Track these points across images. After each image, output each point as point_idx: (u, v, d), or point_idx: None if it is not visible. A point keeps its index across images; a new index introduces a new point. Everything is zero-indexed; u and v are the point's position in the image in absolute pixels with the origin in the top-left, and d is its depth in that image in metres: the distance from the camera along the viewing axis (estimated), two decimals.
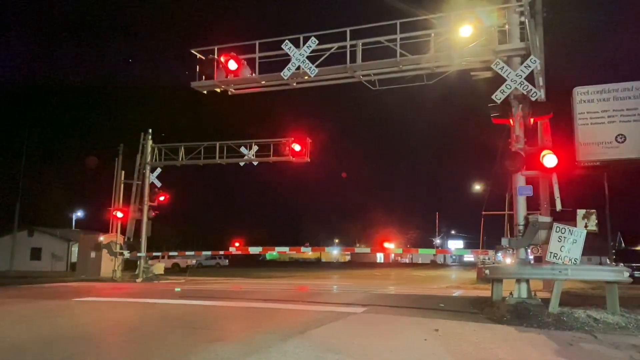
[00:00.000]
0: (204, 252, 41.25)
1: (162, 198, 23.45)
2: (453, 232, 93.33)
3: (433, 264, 76.63)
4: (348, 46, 12.73)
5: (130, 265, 24.93)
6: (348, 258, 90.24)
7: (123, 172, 23.84)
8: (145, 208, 22.92)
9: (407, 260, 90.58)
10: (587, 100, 10.48)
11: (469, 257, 74.25)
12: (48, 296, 13.64)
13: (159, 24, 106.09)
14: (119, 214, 23.10)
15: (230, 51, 13.88)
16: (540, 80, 10.41)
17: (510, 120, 10.64)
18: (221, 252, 39.94)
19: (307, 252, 62.54)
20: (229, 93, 14.71)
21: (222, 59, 13.81)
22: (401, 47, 12.28)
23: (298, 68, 12.73)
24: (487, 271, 10.53)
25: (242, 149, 21.84)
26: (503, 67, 10.32)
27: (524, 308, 9.06)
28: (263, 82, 14.10)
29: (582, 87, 10.58)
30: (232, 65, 13.73)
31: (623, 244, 37.86)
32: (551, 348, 6.40)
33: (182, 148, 22.59)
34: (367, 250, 55.94)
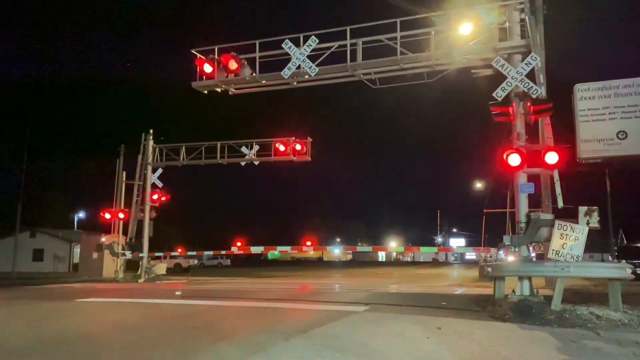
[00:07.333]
0: (206, 252, 41.26)
1: (163, 198, 23.50)
2: (455, 230, 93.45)
3: (435, 262, 76.58)
4: (348, 45, 12.71)
5: (132, 266, 24.96)
6: (350, 257, 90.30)
7: (125, 172, 23.88)
8: (147, 208, 22.94)
9: (408, 259, 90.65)
10: (588, 97, 10.44)
11: (470, 255, 74.44)
12: (50, 297, 13.66)
13: (160, 24, 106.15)
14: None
15: (231, 51, 13.86)
16: (541, 78, 10.38)
17: (512, 118, 10.63)
18: (223, 252, 39.89)
19: (309, 252, 62.52)
20: (230, 93, 14.70)
21: (223, 59, 13.81)
22: (401, 45, 12.26)
23: (298, 67, 12.72)
24: (489, 269, 10.54)
25: (243, 149, 21.83)
26: (504, 64, 10.30)
27: (526, 306, 9.05)
28: (263, 81, 14.09)
29: (583, 83, 10.55)
30: (233, 65, 13.72)
31: (625, 241, 37.76)
32: (554, 345, 6.39)
33: (183, 148, 22.59)
34: (369, 249, 56.10)
